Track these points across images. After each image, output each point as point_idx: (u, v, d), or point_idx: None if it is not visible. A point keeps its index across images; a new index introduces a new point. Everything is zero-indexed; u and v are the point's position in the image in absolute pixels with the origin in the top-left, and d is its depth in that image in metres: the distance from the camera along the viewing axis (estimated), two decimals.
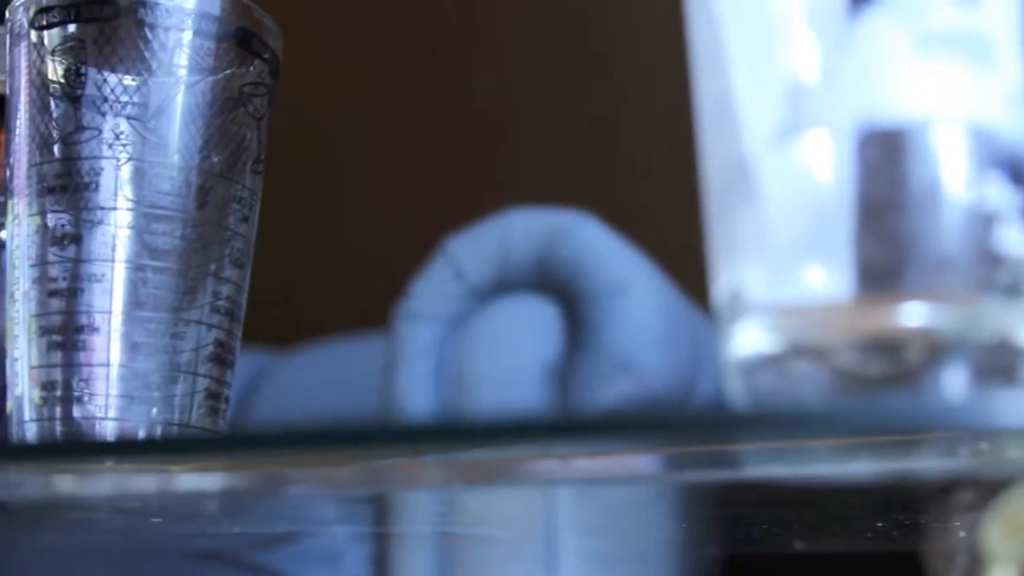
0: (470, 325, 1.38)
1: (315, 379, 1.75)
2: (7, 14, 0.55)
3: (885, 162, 0.32)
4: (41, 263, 0.50)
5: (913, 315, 0.32)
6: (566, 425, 0.39)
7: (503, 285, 1.39)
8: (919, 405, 0.32)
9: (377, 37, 2.02)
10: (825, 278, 0.32)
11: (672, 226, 1.84)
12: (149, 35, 0.51)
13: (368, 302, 1.58)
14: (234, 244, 0.53)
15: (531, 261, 1.37)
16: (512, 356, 1.37)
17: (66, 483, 0.54)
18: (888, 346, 0.32)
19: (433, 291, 1.39)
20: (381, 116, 1.97)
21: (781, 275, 0.32)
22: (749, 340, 0.33)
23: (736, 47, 0.32)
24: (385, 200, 1.97)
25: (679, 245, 1.71)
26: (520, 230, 1.38)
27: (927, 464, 0.38)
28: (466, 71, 1.97)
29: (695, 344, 1.51)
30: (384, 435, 0.41)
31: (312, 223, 1.91)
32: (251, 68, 0.53)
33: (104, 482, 0.52)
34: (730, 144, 0.32)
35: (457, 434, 0.41)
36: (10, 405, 0.52)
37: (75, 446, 0.49)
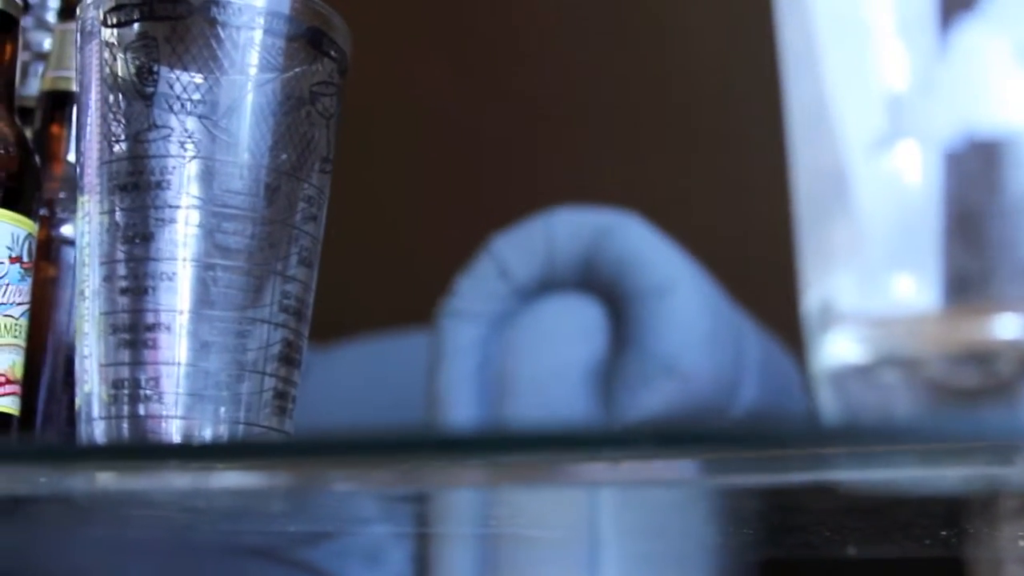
0: (514, 324, 1.38)
1: (357, 375, 1.75)
2: (78, 11, 0.55)
3: (981, 172, 0.32)
4: (111, 261, 0.51)
5: (1005, 327, 0.32)
6: (618, 437, 0.39)
7: (548, 284, 1.39)
8: (1011, 417, 0.32)
9: (422, 34, 2.03)
10: (916, 288, 0.32)
11: (718, 225, 1.84)
12: (221, 33, 0.51)
13: (412, 299, 1.57)
14: (302, 243, 0.53)
15: (576, 260, 1.37)
16: (556, 355, 1.37)
17: (125, 482, 0.54)
18: (979, 357, 0.32)
19: (478, 289, 1.39)
20: (427, 113, 1.97)
21: (872, 285, 0.32)
22: (839, 350, 0.33)
23: (832, 57, 0.32)
24: (430, 197, 1.97)
25: (724, 244, 1.71)
26: (565, 229, 1.37)
27: (1018, 474, 0.38)
28: (512, 67, 1.97)
29: (738, 345, 1.51)
30: (427, 444, 0.41)
31: (357, 219, 1.91)
32: (321, 67, 0.53)
33: (165, 480, 0.52)
34: (824, 154, 0.32)
35: (509, 444, 0.40)
36: (79, 401, 0.52)
37: (138, 448, 0.49)
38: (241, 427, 0.51)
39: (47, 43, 0.81)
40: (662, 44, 1.92)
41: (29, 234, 0.62)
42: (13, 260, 0.61)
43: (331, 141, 0.54)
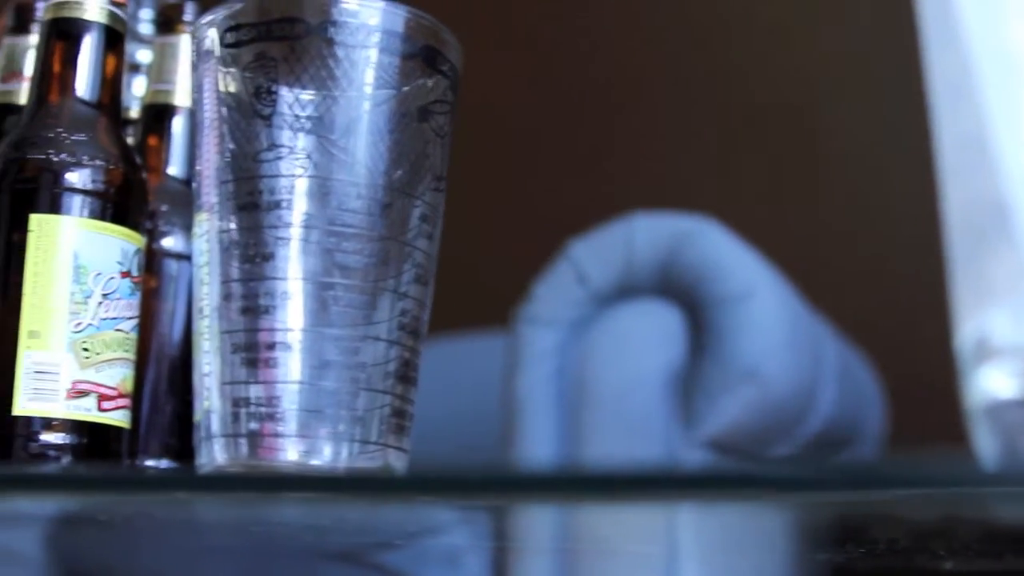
0: (592, 330, 1.38)
1: (432, 376, 1.76)
2: (193, 30, 0.55)
3: None
4: (231, 280, 0.51)
5: None
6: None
7: (626, 290, 1.39)
8: None
9: (498, 35, 2.02)
10: None
11: (797, 230, 1.83)
12: (337, 53, 0.51)
13: (489, 303, 1.58)
14: (417, 261, 0.53)
15: (655, 266, 1.37)
16: (634, 362, 1.37)
17: (243, 506, 0.54)
18: None
19: (555, 295, 1.39)
20: (505, 116, 1.97)
21: None
22: (996, 385, 0.32)
23: (991, 90, 0.31)
24: (507, 200, 1.97)
25: (803, 250, 1.70)
26: (644, 234, 1.37)
27: None
28: (592, 70, 1.96)
29: (817, 350, 1.50)
30: (540, 485, 0.41)
31: None
32: (434, 85, 0.54)
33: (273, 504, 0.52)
34: (983, 186, 0.32)
35: (594, 485, 0.40)
36: (197, 416, 0.53)
37: (252, 479, 0.50)
38: (357, 444, 0.51)
39: (139, 54, 0.82)
40: (745, 45, 1.91)
41: (138, 249, 0.63)
42: (123, 275, 0.62)
43: (444, 158, 0.54)
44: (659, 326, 1.37)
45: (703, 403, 1.34)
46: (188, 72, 0.75)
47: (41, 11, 0.76)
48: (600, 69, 1.97)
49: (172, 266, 0.72)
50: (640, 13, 1.97)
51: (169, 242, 0.72)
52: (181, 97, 0.75)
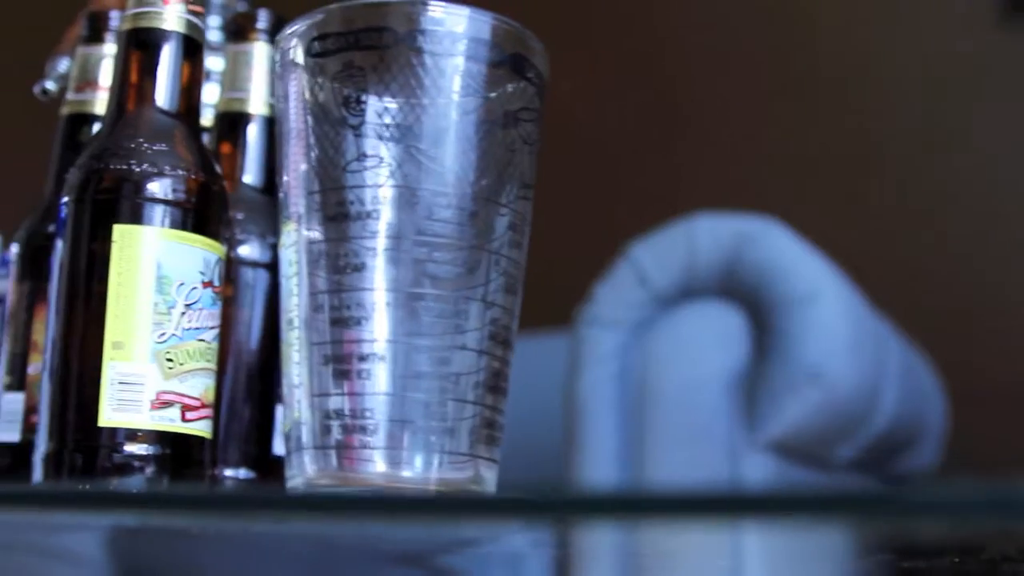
0: (654, 332, 1.37)
1: None
2: (277, 40, 0.55)
3: None
4: (323, 291, 0.51)
5: None
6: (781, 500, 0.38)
7: (688, 291, 1.38)
8: None
9: (566, 36, 2.00)
10: None
11: (859, 232, 1.81)
12: (427, 61, 0.51)
13: (550, 305, 1.57)
14: (507, 270, 0.52)
15: (717, 267, 1.36)
16: (697, 364, 1.36)
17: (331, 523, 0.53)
18: None
19: (617, 296, 1.38)
20: (565, 116, 1.96)
21: None
22: None
23: None
24: (568, 202, 1.96)
25: (863, 249, 1.68)
26: (706, 235, 1.36)
27: None
28: (652, 70, 1.95)
29: (880, 352, 1.49)
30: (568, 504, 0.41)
31: None
32: (522, 92, 0.53)
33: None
34: None
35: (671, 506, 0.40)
36: (286, 426, 0.53)
37: (349, 501, 0.49)
38: (447, 455, 0.51)
39: (208, 62, 0.82)
40: (807, 45, 1.90)
41: (219, 258, 0.63)
42: (205, 285, 0.61)
43: (532, 166, 0.54)
44: (722, 328, 1.36)
45: (766, 405, 1.33)
46: (262, 80, 0.75)
47: (114, 20, 0.76)
48: (661, 69, 1.96)
49: (248, 274, 0.72)
50: (704, 12, 1.95)
51: (245, 250, 0.72)
52: (255, 105, 0.75)
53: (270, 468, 0.72)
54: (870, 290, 1.49)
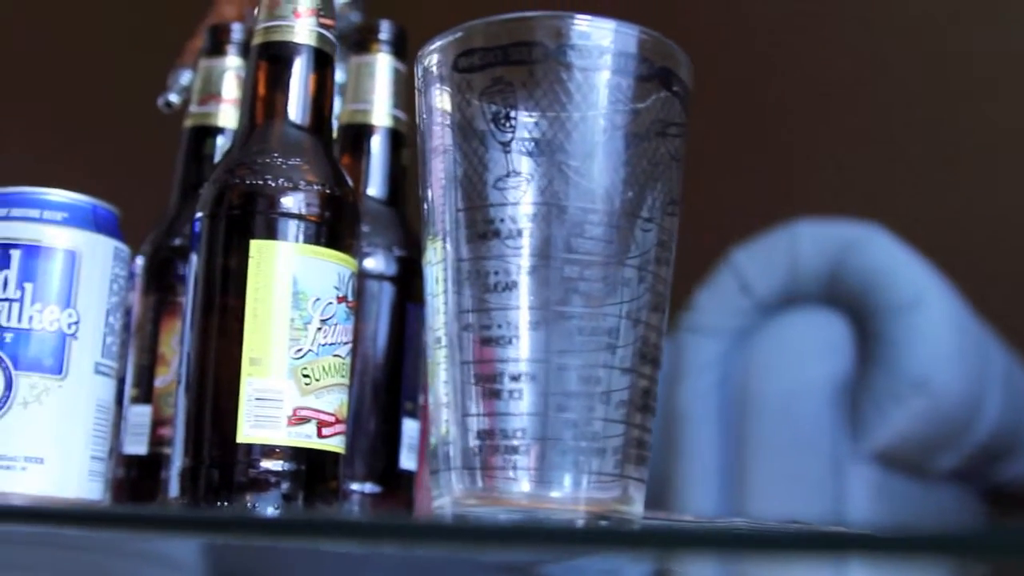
0: (756, 339, 1.35)
1: None
2: (419, 55, 0.55)
3: None
4: (473, 310, 0.50)
5: None
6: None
7: (791, 298, 1.36)
8: None
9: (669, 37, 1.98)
10: None
11: (966, 239, 1.78)
12: (577, 76, 0.50)
13: None
14: (656, 288, 0.52)
15: (820, 274, 1.34)
16: (800, 372, 1.34)
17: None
18: None
19: (718, 304, 1.37)
20: None
21: None
22: None
23: None
24: None
25: (971, 259, 1.66)
26: (809, 242, 1.35)
27: None
28: (753, 75, 1.93)
29: (983, 359, 1.46)
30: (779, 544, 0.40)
31: None
32: (670, 107, 0.52)
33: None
34: None
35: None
36: (433, 443, 0.52)
37: (491, 531, 0.49)
38: (595, 476, 0.50)
39: None
40: (911, 46, 1.87)
41: (353, 273, 0.63)
42: (340, 300, 0.61)
43: (679, 182, 0.53)
44: (825, 335, 1.34)
45: (871, 414, 1.31)
46: (385, 91, 0.75)
47: (236, 32, 0.76)
48: (763, 72, 1.94)
49: (373, 287, 0.72)
50: (807, 14, 1.93)
51: (370, 263, 0.71)
52: (378, 117, 0.75)
53: (397, 482, 0.71)
54: (972, 297, 1.47)
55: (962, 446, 1.46)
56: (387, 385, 0.71)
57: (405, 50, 0.77)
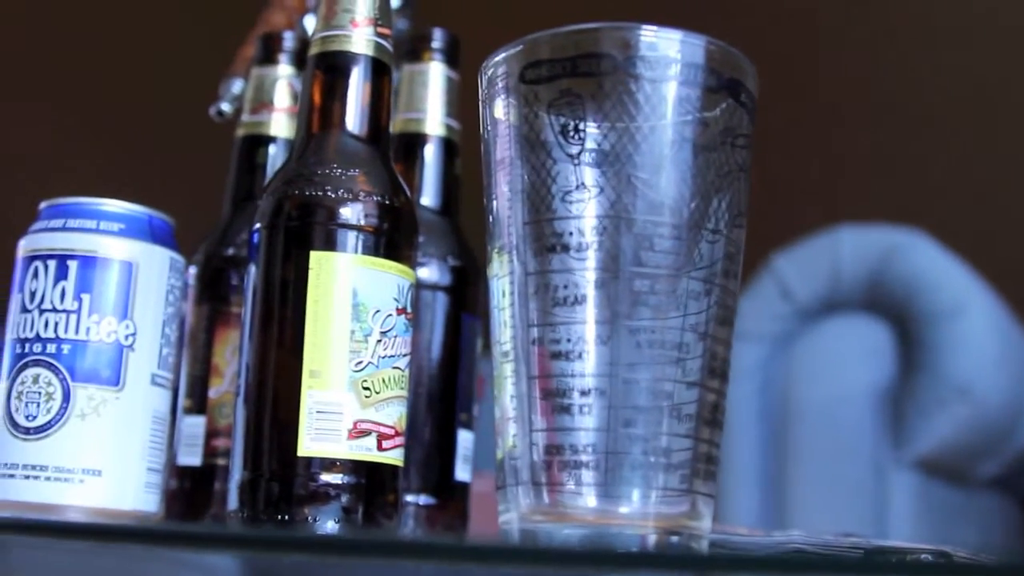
0: (797, 345, 1.35)
1: None
2: (484, 66, 0.54)
3: None
4: (542, 324, 0.50)
5: None
6: None
7: (832, 304, 1.36)
8: None
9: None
10: None
11: (1009, 246, 1.77)
12: (646, 88, 0.50)
13: None
14: (724, 301, 0.51)
15: (862, 280, 1.33)
16: (841, 378, 1.33)
17: None
18: None
19: (759, 310, 1.37)
20: None
21: None
22: None
23: None
24: None
25: (1014, 266, 1.64)
26: (850, 248, 1.34)
27: None
28: (793, 82, 1.92)
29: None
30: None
31: None
32: (738, 118, 0.52)
33: None
34: None
35: None
36: (499, 456, 0.52)
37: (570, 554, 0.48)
38: (667, 492, 0.49)
39: None
40: (960, 52, 1.86)
41: (411, 284, 0.62)
42: (399, 311, 0.61)
43: (746, 194, 0.53)
44: (867, 341, 1.34)
45: (914, 421, 1.30)
46: (438, 100, 0.74)
47: (288, 41, 0.76)
48: (805, 79, 1.93)
49: (427, 296, 0.71)
50: (849, 20, 1.92)
51: (424, 273, 0.71)
52: (431, 125, 0.75)
53: (452, 493, 0.71)
54: (1014, 304, 1.46)
55: (1003, 453, 1.45)
56: (442, 396, 0.71)
57: (458, 58, 0.76)
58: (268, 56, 0.78)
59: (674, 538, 0.49)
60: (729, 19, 1.99)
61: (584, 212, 0.49)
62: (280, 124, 0.77)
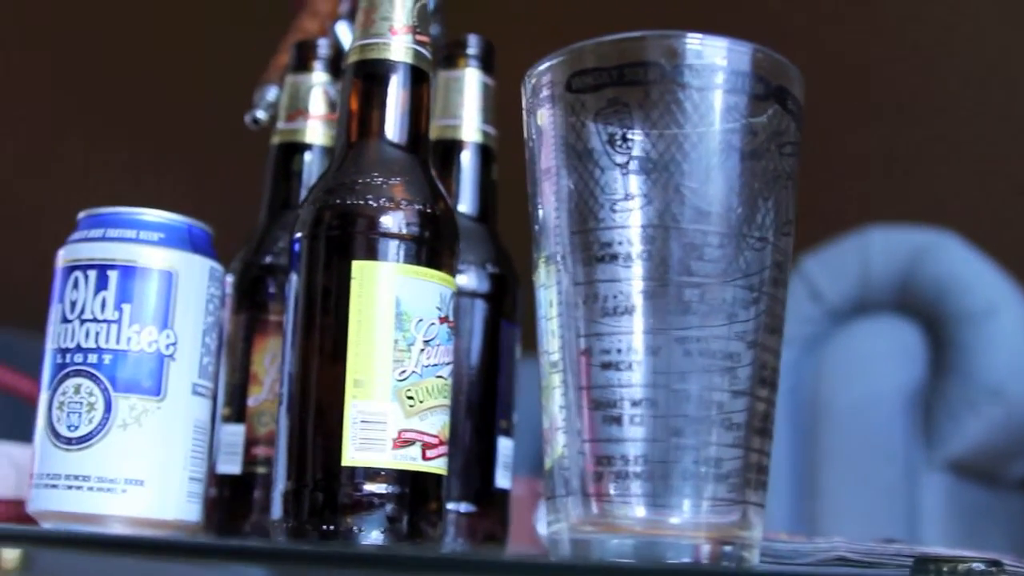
0: (827, 347, 1.34)
1: None
2: (527, 75, 0.54)
3: None
4: (592, 334, 0.49)
5: None
6: None
7: (862, 306, 1.35)
8: None
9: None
10: None
11: None
12: (694, 96, 0.49)
13: None
14: (773, 310, 0.51)
15: (892, 281, 1.33)
16: (872, 380, 1.33)
17: None
18: None
19: (789, 312, 1.36)
20: None
21: None
22: None
23: None
24: None
25: None
26: (880, 249, 1.33)
27: None
28: (822, 83, 1.90)
29: None
30: None
31: None
32: (785, 125, 0.51)
33: None
34: None
35: None
36: (549, 464, 0.51)
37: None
38: (717, 502, 0.49)
39: None
40: (990, 53, 1.85)
41: (453, 292, 0.62)
42: (442, 320, 0.61)
43: (793, 201, 0.52)
44: (897, 343, 1.33)
45: (946, 423, 1.29)
46: (474, 107, 0.74)
47: (322, 48, 0.75)
48: (833, 81, 1.92)
49: (466, 304, 0.71)
50: (875, 23, 1.91)
51: (463, 280, 0.71)
52: (468, 132, 0.74)
53: (492, 501, 0.71)
54: None
55: None
56: (482, 404, 0.71)
57: (493, 65, 0.76)
58: (303, 63, 0.78)
59: (727, 548, 0.49)
60: (745, 17, 1.99)
61: (632, 221, 0.49)
62: (316, 131, 0.77)
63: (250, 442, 0.72)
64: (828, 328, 1.36)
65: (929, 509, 1.30)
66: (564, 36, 0.58)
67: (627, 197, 0.49)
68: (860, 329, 1.35)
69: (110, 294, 0.64)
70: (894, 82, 1.88)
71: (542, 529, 1.09)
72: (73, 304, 0.64)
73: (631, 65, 0.50)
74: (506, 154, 0.75)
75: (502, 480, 0.71)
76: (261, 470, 0.71)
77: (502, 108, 0.76)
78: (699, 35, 0.50)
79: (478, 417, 0.70)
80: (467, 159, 0.74)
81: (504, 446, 0.72)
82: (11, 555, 1.14)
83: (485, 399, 0.71)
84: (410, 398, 0.59)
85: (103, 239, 0.64)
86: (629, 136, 0.49)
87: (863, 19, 1.92)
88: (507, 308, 0.73)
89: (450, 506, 0.69)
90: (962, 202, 1.76)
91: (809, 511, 1.31)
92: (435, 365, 0.60)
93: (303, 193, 0.75)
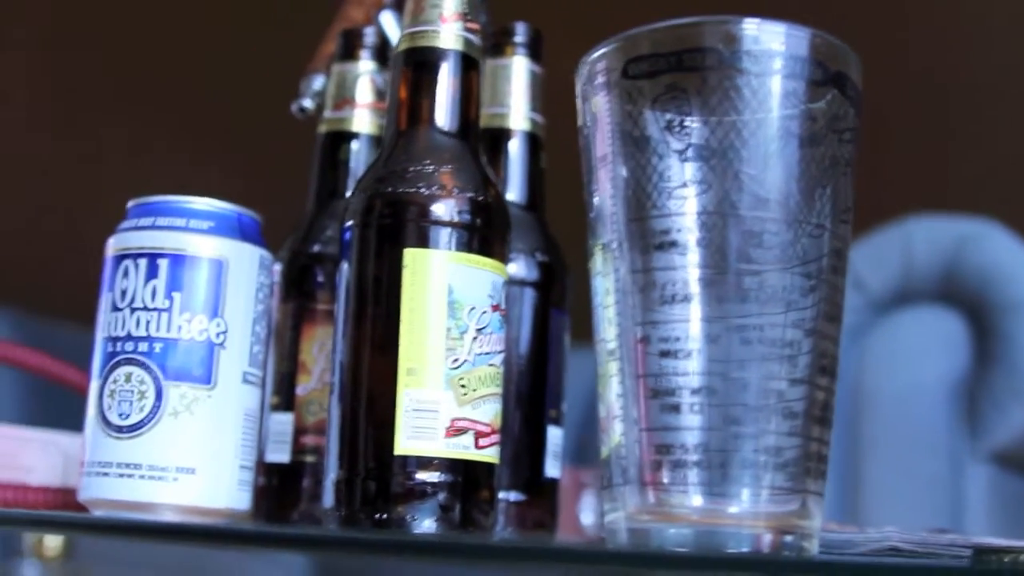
0: (870, 337, 1.33)
1: None
2: (582, 62, 0.54)
3: None
4: (650, 322, 0.49)
5: None
6: None
7: (905, 296, 1.34)
8: None
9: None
10: None
11: None
12: (753, 82, 0.49)
13: None
14: (832, 298, 0.50)
15: (935, 271, 1.32)
16: (915, 370, 1.32)
17: None
18: None
19: None
20: None
21: None
22: None
23: None
24: None
25: None
26: (923, 238, 1.32)
27: None
28: (865, 72, 1.88)
29: None
30: None
31: None
32: (844, 111, 0.51)
33: None
34: None
35: None
36: (605, 453, 0.51)
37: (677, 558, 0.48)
38: (777, 491, 0.49)
39: None
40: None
41: (505, 281, 0.62)
42: (494, 308, 0.61)
43: (851, 188, 0.52)
44: (941, 333, 1.32)
45: (989, 413, 1.28)
46: (522, 95, 0.74)
47: (368, 37, 0.75)
48: (876, 70, 1.90)
49: (515, 292, 0.71)
50: (920, 12, 1.89)
51: (512, 268, 0.70)
52: (516, 120, 0.74)
53: (542, 490, 0.71)
54: None
55: None
56: (531, 392, 0.70)
57: (540, 52, 0.76)
58: (349, 52, 0.77)
59: (787, 537, 0.48)
60: (796, 5, 1.98)
61: (689, 209, 0.49)
62: (363, 120, 0.76)
63: (299, 431, 0.72)
64: (871, 318, 1.35)
65: (973, 500, 1.29)
66: (611, 24, 0.57)
67: (684, 184, 0.49)
68: (903, 319, 1.34)
69: (160, 282, 0.64)
70: (937, 74, 1.87)
71: (586, 519, 1.09)
72: (123, 293, 0.64)
73: (688, 51, 0.50)
74: (554, 142, 0.75)
75: (551, 469, 0.71)
76: (310, 459, 0.71)
77: (550, 96, 0.76)
78: (756, 20, 0.50)
79: (528, 406, 0.70)
80: (515, 147, 0.74)
81: (553, 435, 0.71)
82: (54, 543, 1.15)
83: (535, 388, 0.71)
84: (463, 386, 0.59)
85: (153, 227, 0.64)
86: (687, 123, 0.49)
87: (905, 2, 1.91)
88: (556, 296, 0.72)
89: (500, 495, 0.69)
90: (1006, 191, 1.75)
91: (852, 502, 1.31)
92: (487, 353, 0.60)
93: (350, 182, 0.75)
